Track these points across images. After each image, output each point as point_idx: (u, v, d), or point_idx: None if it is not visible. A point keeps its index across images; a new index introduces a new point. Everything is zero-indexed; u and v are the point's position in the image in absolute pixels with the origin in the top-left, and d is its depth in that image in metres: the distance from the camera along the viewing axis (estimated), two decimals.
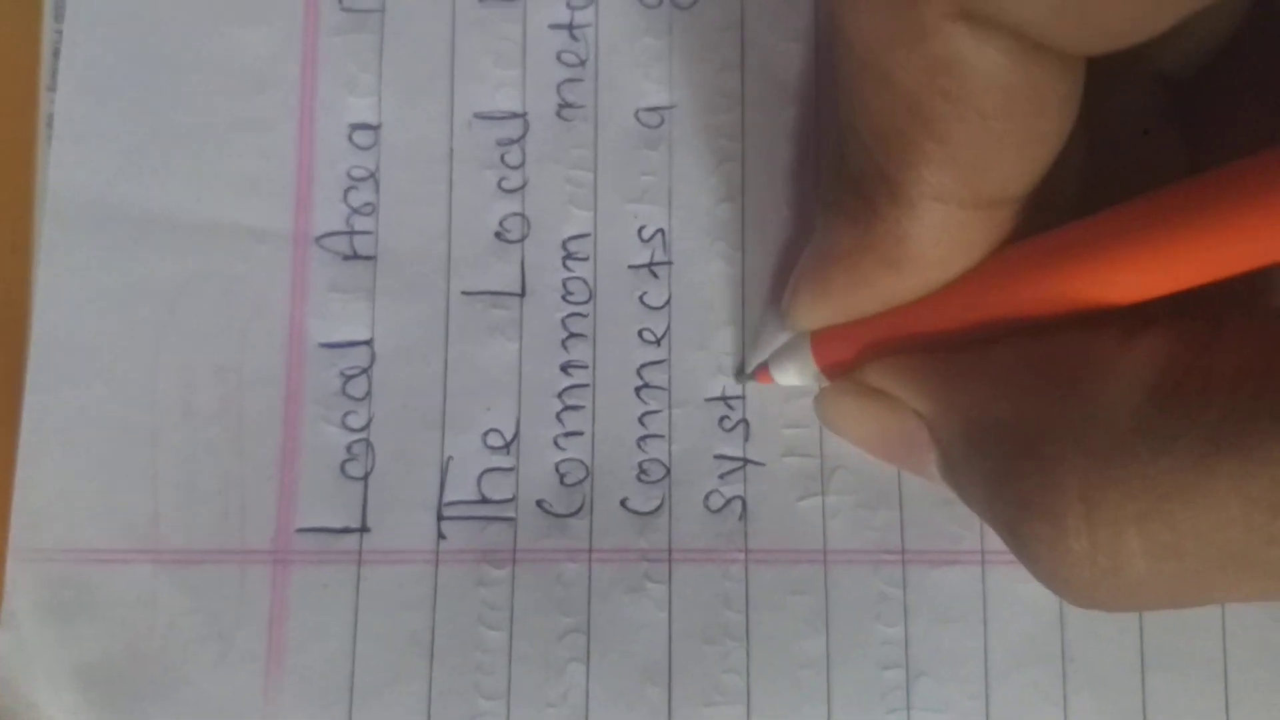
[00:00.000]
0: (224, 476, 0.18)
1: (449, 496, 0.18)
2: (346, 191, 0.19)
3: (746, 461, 0.18)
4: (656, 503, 0.18)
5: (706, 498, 0.18)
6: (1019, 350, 0.13)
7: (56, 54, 0.19)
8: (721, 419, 0.18)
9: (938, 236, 0.13)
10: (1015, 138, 0.12)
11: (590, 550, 0.18)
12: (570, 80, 0.19)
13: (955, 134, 0.12)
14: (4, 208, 0.19)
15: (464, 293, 0.19)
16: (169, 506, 0.18)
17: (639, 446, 0.18)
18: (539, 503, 0.18)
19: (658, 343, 0.19)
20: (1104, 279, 0.12)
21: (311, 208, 0.19)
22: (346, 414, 0.18)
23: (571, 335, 0.19)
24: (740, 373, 0.19)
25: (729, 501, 0.18)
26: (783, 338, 0.17)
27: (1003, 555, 0.18)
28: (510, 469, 0.18)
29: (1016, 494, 0.12)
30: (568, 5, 0.19)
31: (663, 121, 0.19)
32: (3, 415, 0.18)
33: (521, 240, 0.19)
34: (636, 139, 0.19)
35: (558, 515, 0.18)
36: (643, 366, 0.19)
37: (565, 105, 0.19)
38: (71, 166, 0.19)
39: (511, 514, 0.18)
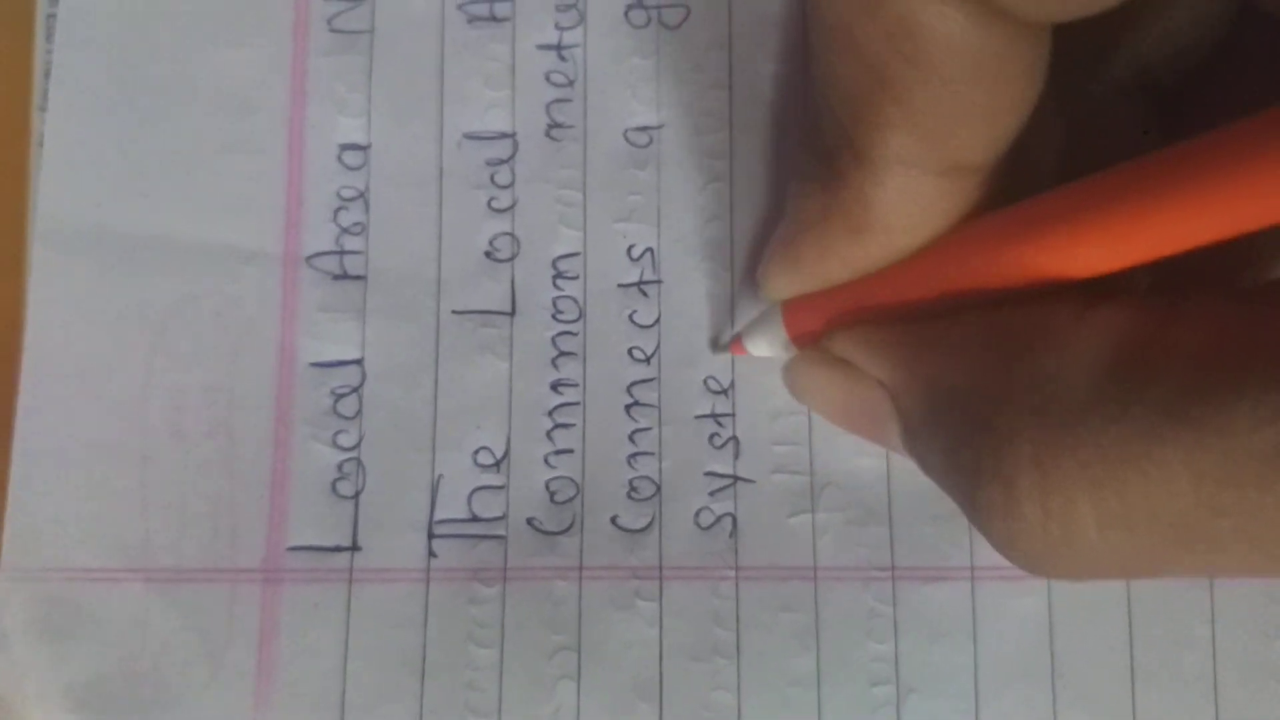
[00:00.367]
0: (215, 496, 0.18)
1: (439, 515, 0.19)
2: (336, 211, 0.19)
3: (736, 479, 0.19)
4: (647, 520, 0.19)
5: (697, 515, 0.19)
6: (979, 321, 0.14)
7: (48, 75, 0.19)
8: (711, 436, 0.19)
9: (902, 202, 0.14)
10: (978, 104, 0.13)
11: (581, 568, 0.18)
12: (559, 100, 0.20)
13: (918, 99, 0.12)
14: None
15: (454, 312, 0.19)
16: (160, 526, 0.18)
17: (629, 464, 0.19)
18: (529, 521, 0.19)
19: (647, 361, 0.19)
20: (1064, 252, 0.13)
21: (301, 228, 0.19)
22: (337, 433, 0.19)
23: (561, 354, 0.19)
24: (715, 345, 0.19)
25: (719, 519, 0.19)
26: (759, 309, 0.18)
27: (992, 571, 0.19)
28: (501, 487, 0.19)
29: (972, 461, 0.13)
30: (556, 26, 0.20)
31: (651, 141, 0.20)
32: None
33: (511, 259, 0.19)
34: (625, 159, 0.20)
35: (548, 533, 0.19)
36: (633, 384, 0.19)
37: (554, 125, 0.20)
38: (62, 189, 0.19)
39: (502, 532, 0.19)
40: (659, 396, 0.19)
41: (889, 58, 0.12)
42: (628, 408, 0.19)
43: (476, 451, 0.19)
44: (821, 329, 0.16)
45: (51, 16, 0.20)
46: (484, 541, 0.19)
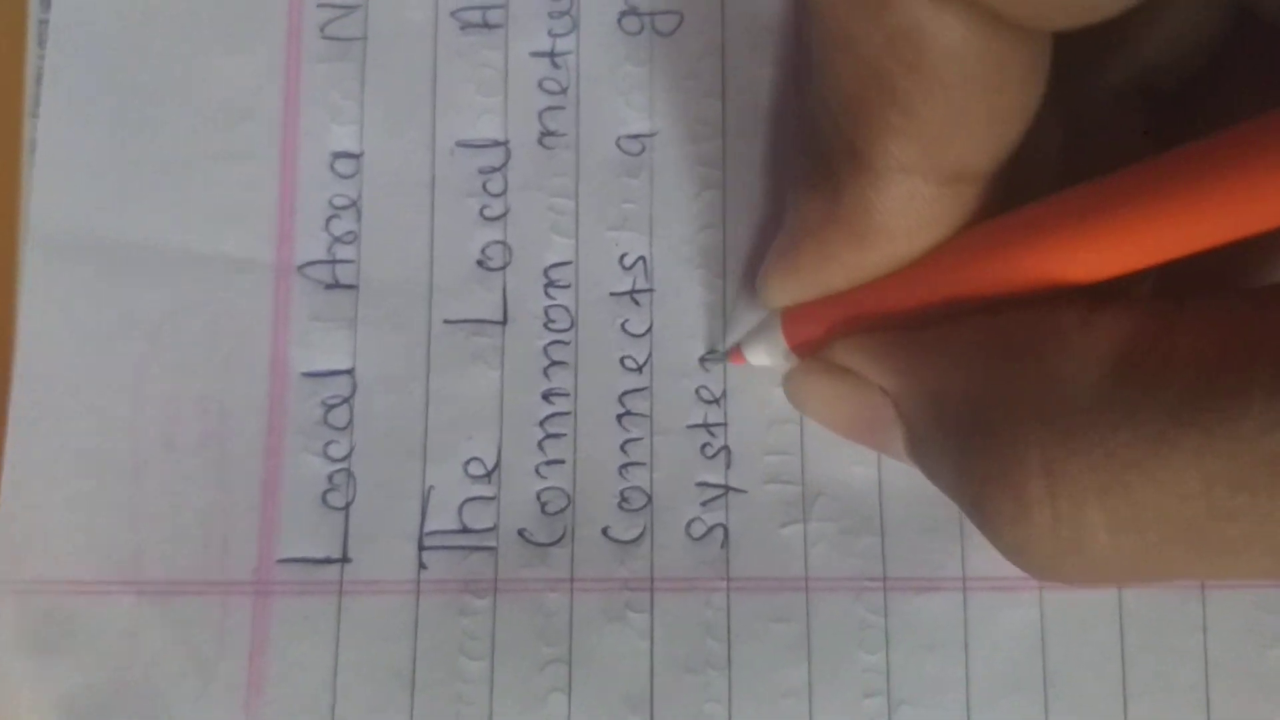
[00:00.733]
0: (206, 507, 0.19)
1: (430, 526, 0.19)
2: (328, 220, 0.19)
3: (728, 489, 0.19)
4: (638, 531, 0.19)
5: (688, 525, 0.19)
6: (983, 326, 0.14)
7: (40, 80, 0.20)
8: (703, 446, 0.19)
9: (902, 208, 0.14)
10: (978, 111, 0.13)
11: (572, 579, 0.19)
12: (552, 108, 0.20)
13: (918, 105, 0.13)
14: None
15: (446, 321, 0.19)
16: (151, 538, 0.18)
17: (620, 474, 0.19)
18: (520, 532, 0.19)
19: (639, 370, 0.19)
20: (1068, 256, 0.13)
21: (293, 237, 0.19)
22: (328, 443, 0.19)
23: (553, 363, 0.19)
24: (712, 353, 0.19)
25: (711, 529, 0.19)
26: (757, 318, 0.18)
27: (984, 582, 0.19)
28: (491, 498, 0.19)
29: (979, 468, 0.13)
30: (549, 33, 0.20)
31: (644, 149, 0.20)
32: None
33: (503, 268, 0.20)
34: (618, 167, 0.20)
35: (539, 544, 0.19)
36: (624, 394, 0.19)
37: (547, 133, 0.20)
38: (55, 197, 0.19)
39: (493, 543, 0.19)
40: (651, 406, 0.19)
41: (890, 65, 0.12)
42: (619, 417, 0.19)
43: (467, 462, 0.19)
44: (822, 337, 0.16)
45: (44, 22, 0.20)
46: (475, 553, 0.19)
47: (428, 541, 0.19)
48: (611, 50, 0.20)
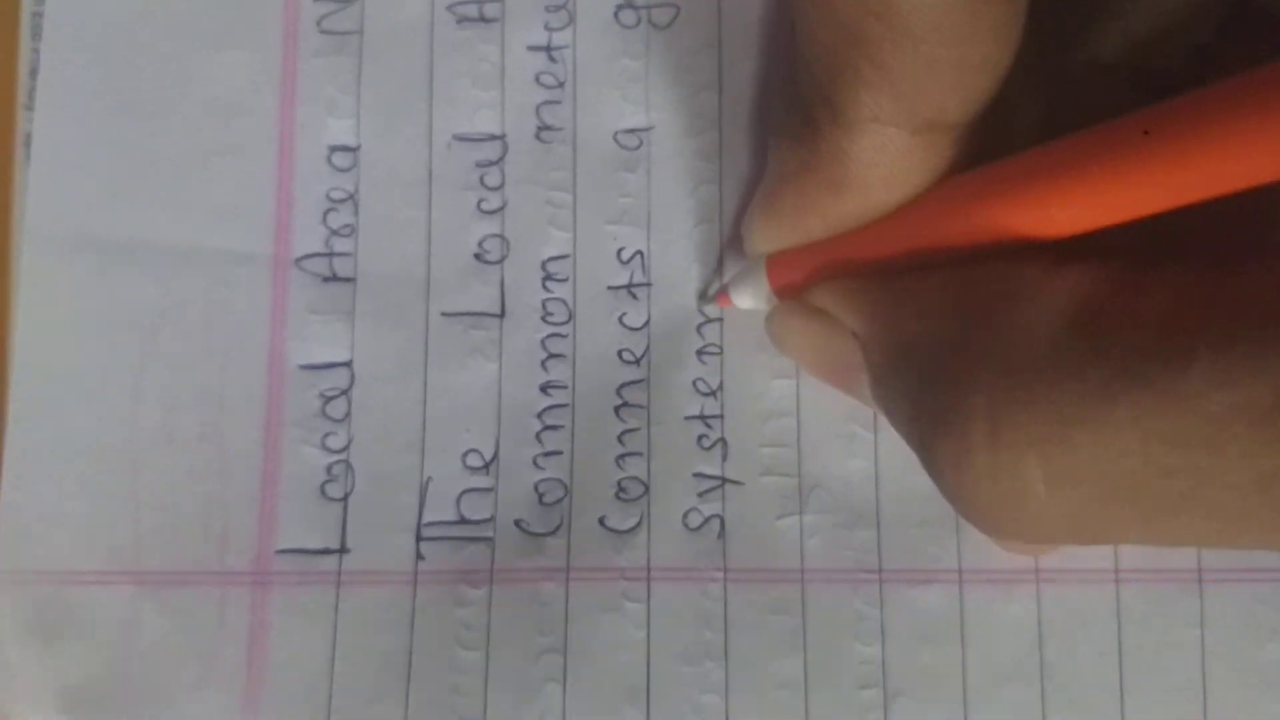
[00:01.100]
0: (205, 498, 0.19)
1: (428, 517, 0.19)
2: (326, 213, 0.20)
3: (725, 480, 0.19)
4: (635, 520, 0.19)
5: (685, 516, 0.19)
6: (949, 276, 0.14)
7: (33, 73, 0.20)
8: (700, 438, 0.19)
9: (877, 158, 0.14)
10: (949, 62, 0.13)
11: (568, 569, 0.19)
12: (549, 102, 0.20)
13: (890, 57, 0.13)
14: None
15: (443, 314, 0.20)
16: (151, 529, 0.19)
17: (618, 465, 0.19)
18: (517, 522, 0.19)
19: (637, 363, 0.20)
20: (1037, 211, 0.13)
21: (291, 230, 0.20)
22: (326, 435, 0.19)
23: (551, 356, 0.20)
24: (702, 298, 0.20)
25: (707, 520, 0.19)
26: (743, 265, 0.19)
27: (981, 574, 0.19)
28: (489, 489, 0.19)
29: (929, 410, 0.13)
30: (546, 27, 0.20)
31: (641, 143, 0.20)
32: None
33: (501, 261, 0.20)
34: (615, 161, 0.20)
35: (536, 534, 0.19)
36: (622, 386, 0.20)
37: (544, 127, 0.20)
38: (51, 193, 0.20)
39: (490, 534, 0.19)
40: (648, 398, 0.20)
41: (861, 15, 0.13)
42: (617, 409, 0.20)
43: (465, 454, 0.19)
44: (802, 282, 0.17)
45: (37, 15, 0.20)
46: (471, 544, 0.19)
47: (425, 532, 0.19)
48: (608, 44, 0.20)
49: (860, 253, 0.16)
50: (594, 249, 0.20)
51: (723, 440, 0.19)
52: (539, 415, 0.19)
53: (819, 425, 0.19)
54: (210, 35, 0.20)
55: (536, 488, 0.19)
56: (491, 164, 0.20)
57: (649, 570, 0.19)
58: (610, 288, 0.20)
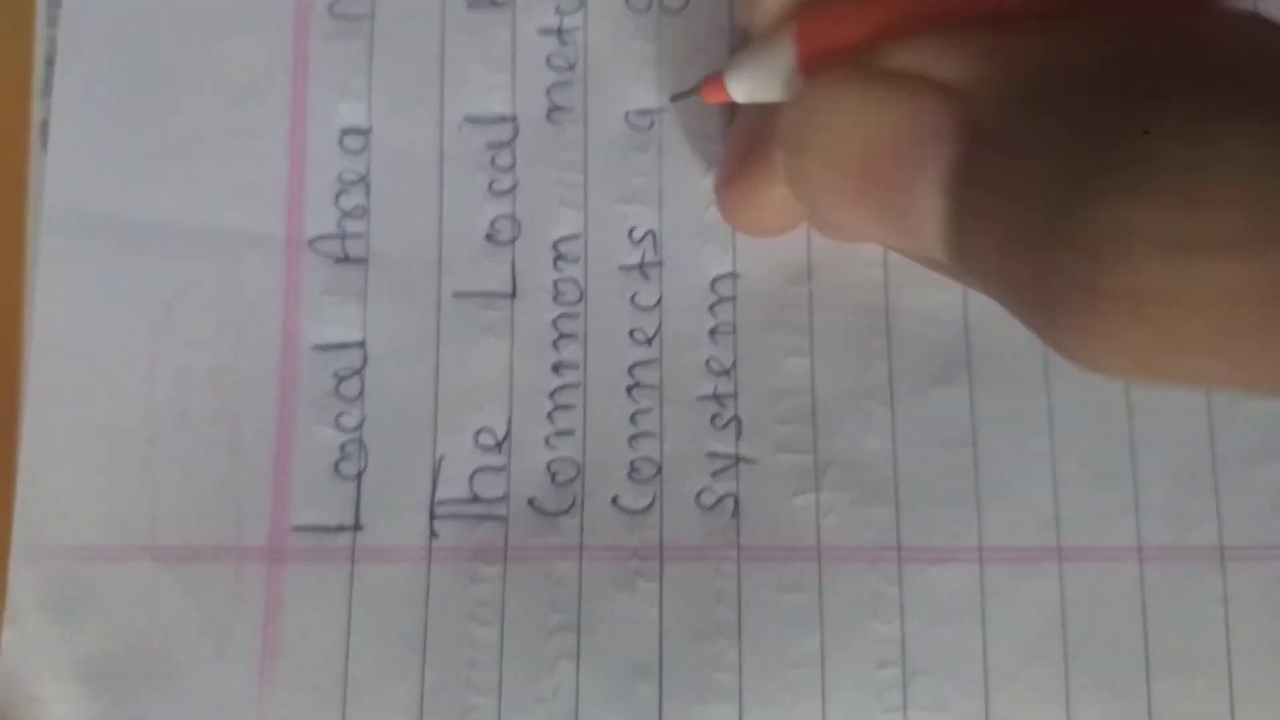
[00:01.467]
0: (220, 476, 0.19)
1: (441, 495, 0.20)
2: (338, 195, 0.20)
3: (739, 459, 0.20)
4: (648, 500, 0.20)
5: (698, 495, 0.20)
6: (1113, 19, 0.12)
7: (49, 61, 0.21)
8: (713, 417, 0.20)
9: None
10: None
11: (581, 548, 0.19)
12: (560, 84, 0.21)
13: None
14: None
15: (455, 294, 0.20)
16: (166, 505, 0.19)
17: (630, 445, 0.20)
18: (530, 501, 0.20)
19: (649, 343, 0.20)
20: None
21: (304, 212, 0.20)
22: (340, 414, 0.20)
23: (562, 335, 0.20)
24: (680, 94, 0.18)
25: (721, 499, 0.20)
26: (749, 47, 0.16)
27: (1002, 552, 0.19)
28: (502, 468, 0.20)
29: (1088, 146, 0.10)
30: (557, 10, 0.21)
31: (652, 124, 0.21)
32: (4, 419, 0.20)
33: (512, 242, 0.20)
34: (626, 142, 0.21)
35: (549, 513, 0.20)
36: (634, 366, 0.20)
37: (555, 108, 0.21)
38: (68, 176, 0.20)
39: (503, 512, 0.20)
40: (660, 378, 0.20)
41: None
42: (629, 389, 0.20)
43: (478, 432, 0.20)
44: (858, 44, 0.14)
45: (54, 3, 0.21)
46: (485, 522, 0.20)
47: (439, 510, 0.20)
48: (619, 27, 0.21)
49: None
50: (605, 228, 0.20)
51: (736, 418, 0.20)
52: (551, 395, 0.20)
53: (835, 402, 0.20)
54: (222, 20, 0.21)
55: (549, 467, 0.20)
56: (503, 145, 0.21)
57: (662, 549, 0.19)
58: (622, 267, 0.20)
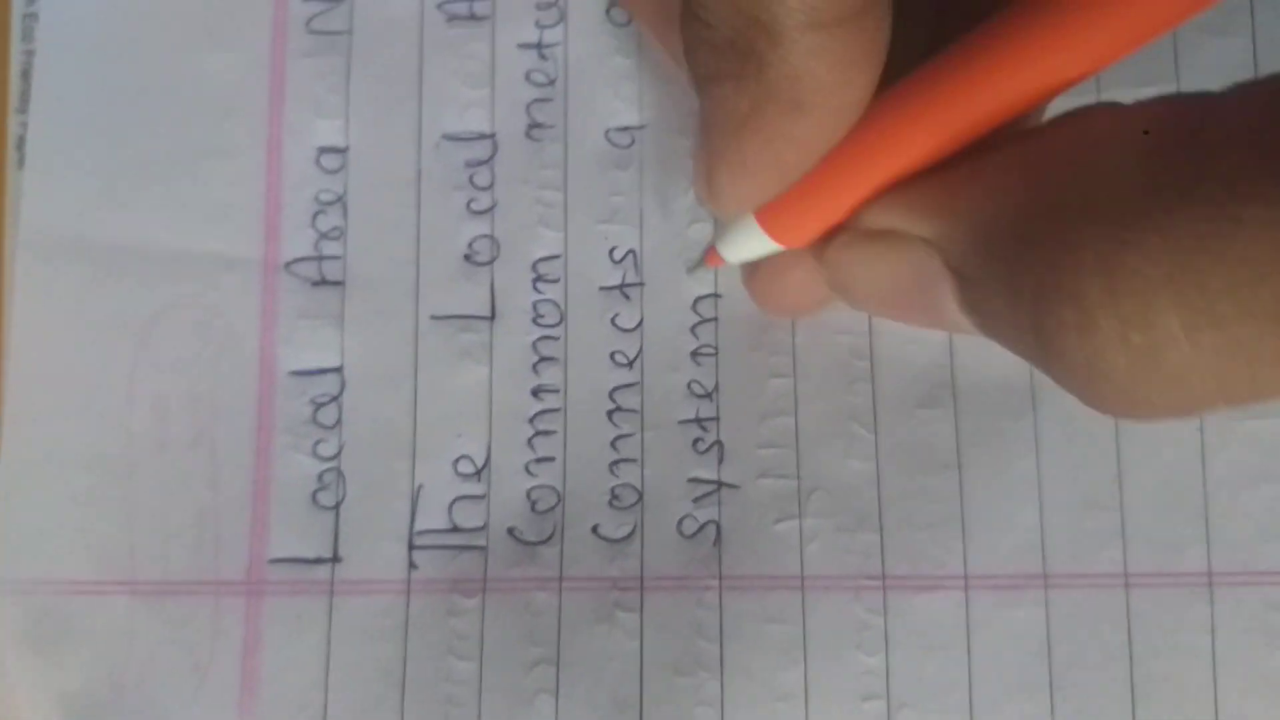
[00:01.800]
0: (198, 508, 0.20)
1: (420, 525, 0.20)
2: (315, 216, 0.20)
3: (721, 484, 0.20)
4: (628, 529, 0.20)
5: (680, 523, 0.20)
6: (1015, 147, 0.14)
7: (24, 75, 0.21)
8: (695, 441, 0.20)
9: (825, 60, 0.14)
10: None
11: (561, 578, 0.20)
12: (539, 100, 0.21)
13: None
14: None
15: (433, 317, 0.20)
16: (144, 538, 0.20)
17: (611, 471, 0.20)
18: (510, 530, 0.20)
19: (630, 365, 0.20)
20: (1073, 45, 0.12)
21: (280, 233, 0.20)
22: (317, 442, 0.20)
23: (542, 359, 0.20)
24: (690, 270, 0.20)
25: (703, 526, 0.20)
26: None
27: (987, 580, 0.19)
28: (481, 496, 0.20)
29: (1033, 285, 0.12)
30: (536, 24, 0.21)
31: (633, 142, 0.21)
32: None
33: (491, 262, 0.20)
34: (607, 159, 0.21)
35: (529, 543, 0.20)
36: (615, 390, 0.20)
37: (535, 125, 0.21)
38: (45, 197, 0.20)
39: (482, 542, 0.20)
40: (641, 402, 0.20)
41: None
42: (610, 413, 0.20)
43: (457, 460, 0.20)
44: (816, 220, 0.16)
45: (29, 17, 0.21)
46: (464, 552, 0.20)
47: (418, 541, 0.20)
48: (599, 42, 0.21)
49: (888, 160, 0.15)
50: (586, 249, 0.20)
51: (719, 443, 0.20)
52: (531, 420, 0.20)
53: (818, 425, 0.20)
54: (199, 37, 0.21)
55: (529, 495, 0.20)
56: (481, 163, 0.21)
57: (642, 579, 0.20)
58: (603, 288, 0.20)
